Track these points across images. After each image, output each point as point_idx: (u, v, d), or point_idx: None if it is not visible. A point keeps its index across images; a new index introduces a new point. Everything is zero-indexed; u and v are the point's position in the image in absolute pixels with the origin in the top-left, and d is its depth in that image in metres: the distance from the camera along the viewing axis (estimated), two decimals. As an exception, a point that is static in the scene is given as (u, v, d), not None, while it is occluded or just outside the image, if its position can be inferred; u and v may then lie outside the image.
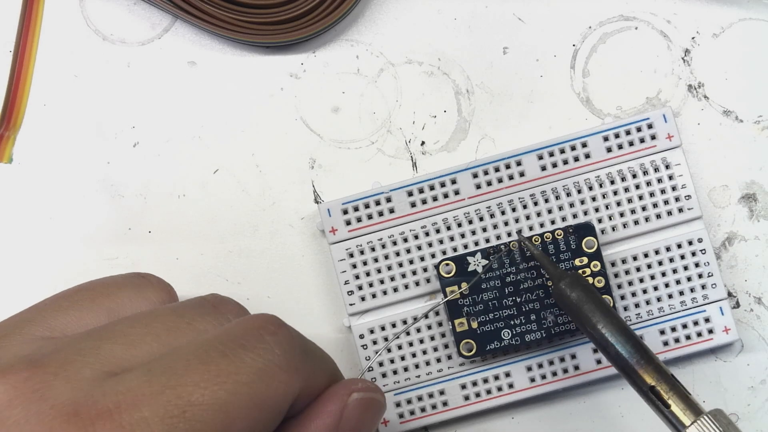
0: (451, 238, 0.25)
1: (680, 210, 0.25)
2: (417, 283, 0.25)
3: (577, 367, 0.25)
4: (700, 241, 0.25)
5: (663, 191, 0.25)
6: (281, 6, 0.26)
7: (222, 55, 0.27)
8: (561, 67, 0.27)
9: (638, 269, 0.25)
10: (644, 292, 0.25)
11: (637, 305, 0.25)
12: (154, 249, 0.26)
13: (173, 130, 0.27)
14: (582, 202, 0.25)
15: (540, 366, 0.25)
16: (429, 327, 0.25)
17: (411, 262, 0.25)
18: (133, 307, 0.21)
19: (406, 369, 0.25)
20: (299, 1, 0.26)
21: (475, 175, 0.25)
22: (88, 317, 0.20)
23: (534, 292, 0.25)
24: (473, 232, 0.25)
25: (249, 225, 0.27)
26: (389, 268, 0.25)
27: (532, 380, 0.25)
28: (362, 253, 0.25)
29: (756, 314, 0.26)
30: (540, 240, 0.25)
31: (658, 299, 0.25)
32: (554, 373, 0.25)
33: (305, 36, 0.26)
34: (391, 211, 0.25)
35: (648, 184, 0.25)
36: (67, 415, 0.15)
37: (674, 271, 0.25)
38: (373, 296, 0.25)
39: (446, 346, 0.25)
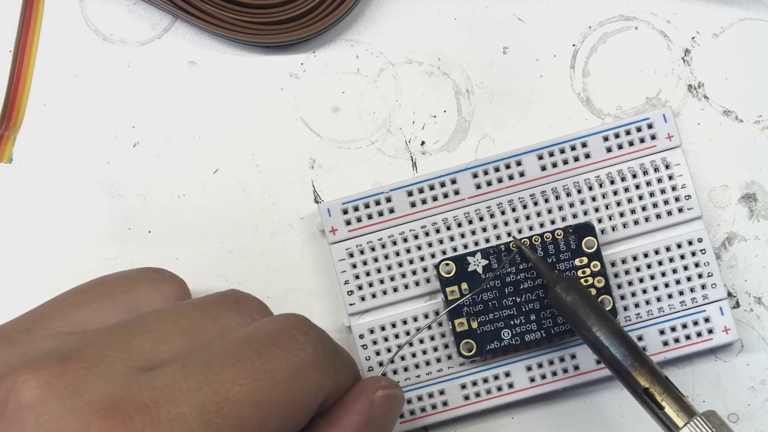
0: (451, 238, 0.25)
1: (680, 210, 0.25)
2: (417, 283, 0.25)
3: (577, 367, 0.25)
4: (700, 241, 0.25)
5: (663, 191, 0.25)
6: (281, 6, 0.26)
7: (222, 55, 0.27)
8: (561, 67, 0.27)
9: (638, 269, 0.25)
10: (644, 292, 0.25)
11: (637, 305, 0.25)
12: (154, 249, 0.26)
13: (173, 130, 0.27)
14: (582, 202, 0.25)
15: (540, 366, 0.25)
16: (429, 327, 0.25)
17: (411, 262, 0.25)
18: (149, 302, 0.21)
19: (406, 369, 0.25)
20: (299, 1, 0.26)
21: (475, 175, 0.25)
22: (107, 312, 0.20)
23: (534, 292, 0.25)
24: (473, 232, 0.25)
25: (249, 225, 0.27)
26: (389, 268, 0.25)
27: (532, 380, 0.25)
28: (362, 253, 0.25)
29: (756, 314, 0.26)
30: (540, 240, 0.25)
31: (658, 299, 0.25)
32: (554, 373, 0.25)
33: (305, 36, 0.26)
34: (391, 211, 0.25)
35: (648, 184, 0.25)
36: (104, 410, 0.15)
37: (674, 271, 0.25)
38: (373, 296, 0.25)
39: (446, 346, 0.25)
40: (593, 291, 0.25)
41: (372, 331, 0.25)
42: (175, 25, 0.27)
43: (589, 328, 0.22)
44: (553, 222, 0.25)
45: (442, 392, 0.25)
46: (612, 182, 0.25)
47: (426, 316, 0.25)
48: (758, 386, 0.26)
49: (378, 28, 0.27)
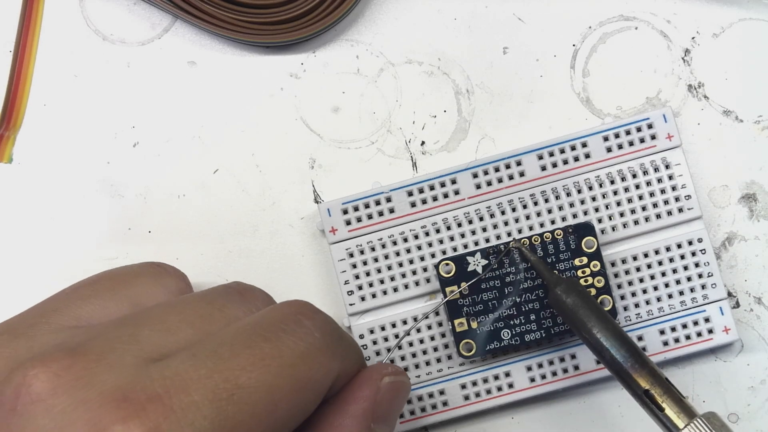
0: (451, 238, 0.25)
1: (680, 210, 0.25)
2: (417, 283, 0.25)
3: (576, 367, 0.25)
4: (700, 241, 0.25)
5: (663, 191, 0.25)
6: (281, 6, 0.26)
7: (222, 55, 0.27)
8: (561, 67, 0.27)
9: (638, 269, 0.25)
10: (644, 292, 0.25)
11: (637, 305, 0.25)
12: (154, 249, 0.26)
13: (173, 130, 0.27)
14: (582, 202, 0.25)
15: (540, 366, 0.25)
16: (429, 327, 0.25)
17: (411, 262, 0.25)
18: (152, 295, 0.21)
19: (406, 369, 0.25)
20: (299, 1, 0.26)
21: (475, 175, 0.25)
22: (111, 306, 0.20)
23: (534, 293, 0.25)
24: (473, 232, 0.25)
25: (249, 225, 0.27)
26: (389, 268, 0.25)
27: (532, 380, 0.25)
28: (362, 253, 0.25)
29: (756, 314, 0.26)
30: (540, 240, 0.25)
31: (658, 299, 0.25)
32: (554, 373, 0.25)
33: (305, 36, 0.26)
34: (391, 211, 0.25)
35: (648, 184, 0.25)
36: (116, 401, 0.15)
37: (674, 271, 0.25)
38: (373, 296, 0.25)
39: (446, 346, 0.25)
40: (593, 291, 0.25)
41: (372, 331, 0.25)
42: (175, 25, 0.27)
43: (589, 330, 0.22)
44: (553, 222, 0.25)
45: (442, 392, 0.25)
46: (612, 182, 0.25)
47: (426, 316, 0.25)
48: (758, 386, 0.26)
49: (378, 28, 0.27)
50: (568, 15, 0.27)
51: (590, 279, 0.25)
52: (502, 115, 0.27)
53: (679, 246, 0.25)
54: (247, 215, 0.27)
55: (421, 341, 0.25)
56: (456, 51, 0.27)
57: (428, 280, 0.25)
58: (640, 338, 0.25)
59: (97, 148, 0.27)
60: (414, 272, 0.25)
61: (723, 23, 0.27)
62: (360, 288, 0.25)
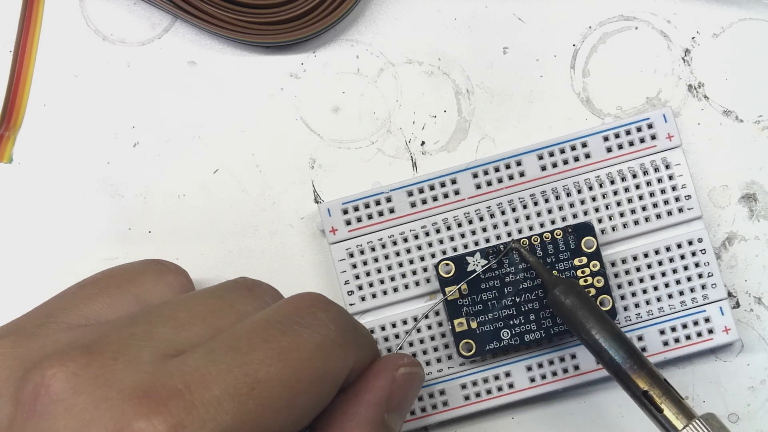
0: (451, 238, 0.25)
1: (680, 210, 0.25)
2: (417, 283, 0.25)
3: (576, 367, 0.25)
4: (700, 241, 0.25)
5: (663, 191, 0.25)
6: (281, 6, 0.26)
7: (222, 55, 0.27)
8: (561, 67, 0.27)
9: (638, 269, 0.25)
10: (644, 292, 0.25)
11: (637, 305, 0.25)
12: (154, 249, 0.26)
13: (173, 130, 0.27)
14: (582, 202, 0.25)
15: (540, 366, 0.25)
16: (429, 327, 0.25)
17: (411, 262, 0.25)
18: (156, 293, 0.21)
19: (406, 369, 0.25)
20: (299, 1, 0.26)
21: (475, 175, 0.25)
22: (118, 304, 0.20)
23: (533, 293, 0.25)
24: (473, 232, 0.25)
25: (249, 225, 0.27)
26: (389, 268, 0.25)
27: (532, 380, 0.25)
28: (362, 253, 0.25)
29: (756, 314, 0.26)
30: (539, 240, 0.25)
31: (658, 299, 0.25)
32: (554, 373, 0.25)
33: (305, 36, 0.26)
34: (391, 211, 0.25)
35: (648, 184, 0.25)
36: (138, 398, 0.15)
37: (674, 271, 0.25)
38: (373, 296, 0.25)
39: (446, 346, 0.25)
40: (592, 291, 0.25)
41: (372, 331, 0.25)
42: (175, 25, 0.27)
43: (588, 331, 0.22)
44: (553, 222, 0.25)
45: (442, 392, 0.25)
46: (612, 182, 0.25)
47: (426, 316, 0.25)
48: (758, 386, 0.26)
49: (378, 28, 0.27)
50: (568, 15, 0.27)
51: (590, 279, 0.25)
52: (502, 115, 0.27)
53: (679, 246, 0.25)
54: (247, 215, 0.27)
55: (421, 341, 0.25)
56: (456, 51, 0.27)
57: (428, 280, 0.25)
58: (640, 338, 0.25)
59: (97, 148, 0.27)
60: (414, 272, 0.25)
61: (723, 23, 0.27)
62: (360, 288, 0.25)
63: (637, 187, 0.25)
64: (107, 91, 0.27)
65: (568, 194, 0.25)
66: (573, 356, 0.25)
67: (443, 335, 0.25)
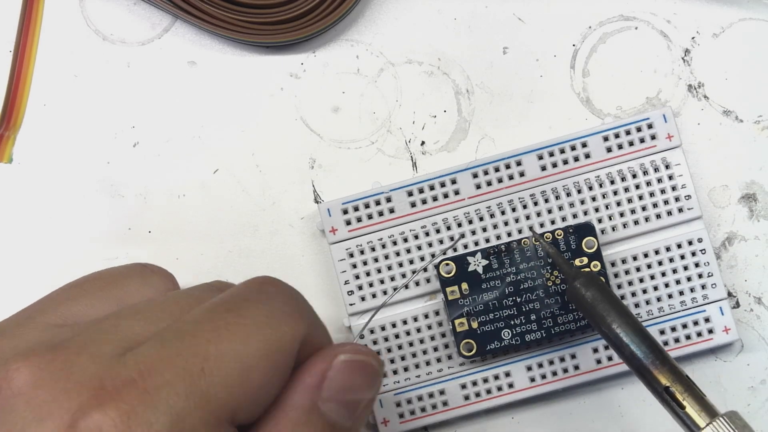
0: (451, 238, 0.25)
1: (680, 210, 0.25)
2: (417, 283, 0.25)
3: (577, 367, 0.25)
4: (700, 241, 0.25)
5: (663, 191, 0.25)
6: (281, 6, 0.26)
7: (222, 55, 0.27)
8: (561, 67, 0.27)
9: (638, 269, 0.25)
10: (644, 292, 0.25)
11: (637, 305, 0.25)
12: (154, 249, 0.26)
13: (173, 130, 0.27)
14: (582, 202, 0.25)
15: (540, 366, 0.25)
16: (429, 327, 0.25)
17: (411, 262, 0.25)
18: (140, 295, 0.21)
19: (406, 369, 0.25)
20: (299, 1, 0.26)
21: (475, 175, 0.25)
22: (99, 305, 0.20)
23: (534, 292, 0.25)
24: (473, 232, 0.25)
25: (249, 225, 0.27)
26: (389, 268, 0.25)
27: (532, 380, 0.25)
28: (362, 253, 0.25)
29: (756, 314, 0.26)
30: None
31: (658, 299, 0.25)
32: (554, 373, 0.25)
33: (305, 36, 0.26)
34: (391, 211, 0.25)
35: (648, 184, 0.25)
36: (94, 389, 0.16)
37: (674, 271, 0.25)
38: (373, 296, 0.25)
39: (446, 346, 0.25)
40: (593, 291, 0.24)
41: (372, 331, 0.25)
42: (175, 25, 0.27)
43: (609, 325, 0.21)
44: (553, 222, 0.25)
45: (442, 392, 0.25)
46: (612, 182, 0.25)
47: (426, 316, 0.25)
48: (758, 386, 0.26)
49: (378, 28, 0.27)
50: (568, 15, 0.27)
51: (590, 279, 0.25)
52: (502, 115, 0.27)
53: (679, 246, 0.25)
54: (247, 215, 0.27)
55: (421, 341, 0.25)
56: (456, 51, 0.27)
57: (428, 280, 0.25)
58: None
59: (97, 148, 0.27)
60: (414, 272, 0.25)
61: (723, 23, 0.27)
62: (360, 288, 0.25)
63: (637, 187, 0.25)
64: (107, 91, 0.27)
65: (568, 194, 0.25)
66: (573, 356, 0.25)
67: (443, 335, 0.25)
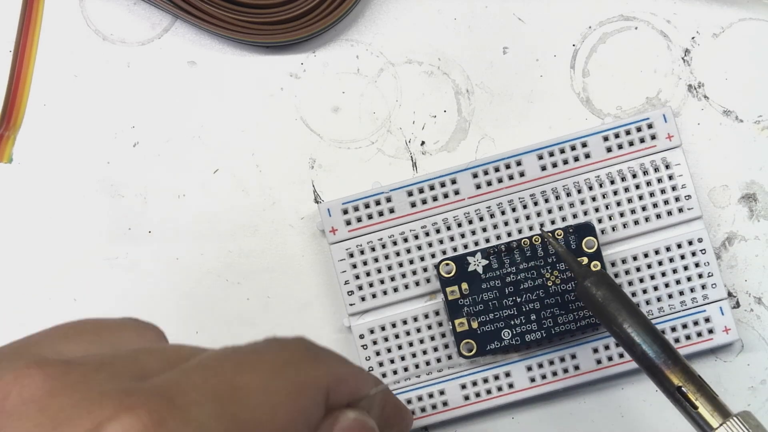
0: (451, 238, 0.25)
1: (680, 210, 0.25)
2: (417, 283, 0.25)
3: (577, 367, 0.25)
4: (700, 241, 0.25)
5: (663, 191, 0.25)
6: (281, 6, 0.26)
7: (222, 55, 0.27)
8: (561, 67, 0.27)
9: (638, 269, 0.25)
10: (644, 292, 0.25)
11: (637, 305, 0.25)
12: (154, 249, 0.26)
13: (173, 130, 0.27)
14: (582, 202, 0.25)
15: (540, 366, 0.25)
16: (429, 327, 0.25)
17: (411, 262, 0.25)
18: (137, 345, 0.20)
19: (406, 369, 0.25)
20: (299, 1, 0.26)
21: (475, 175, 0.25)
22: (94, 349, 0.19)
23: (534, 292, 0.25)
24: (473, 232, 0.25)
25: (249, 225, 0.27)
26: (389, 268, 0.25)
27: (532, 380, 0.25)
28: (362, 253, 0.25)
29: (756, 314, 0.26)
30: (540, 240, 0.25)
31: (658, 299, 0.25)
32: (554, 373, 0.25)
33: (305, 36, 0.26)
34: (391, 211, 0.25)
35: (648, 184, 0.25)
36: (121, 395, 0.15)
37: (674, 271, 0.25)
38: (373, 296, 0.25)
39: (446, 346, 0.25)
40: (593, 291, 0.24)
41: (372, 331, 0.25)
42: (175, 25, 0.27)
43: (620, 324, 0.21)
44: (553, 222, 0.25)
45: (442, 392, 0.25)
46: (612, 182, 0.25)
47: (426, 316, 0.25)
48: (758, 386, 0.26)
49: (378, 28, 0.27)
50: (568, 15, 0.27)
51: (590, 279, 0.25)
52: (502, 115, 0.27)
53: (679, 246, 0.25)
54: (247, 215, 0.27)
55: (421, 341, 0.25)
56: (456, 51, 0.27)
57: (428, 280, 0.25)
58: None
59: (97, 148, 0.27)
60: (414, 272, 0.25)
61: (723, 23, 0.27)
62: (360, 288, 0.25)
63: (637, 187, 0.25)
64: (107, 91, 0.27)
65: (568, 194, 0.25)
66: (573, 356, 0.25)
67: (443, 335, 0.25)
